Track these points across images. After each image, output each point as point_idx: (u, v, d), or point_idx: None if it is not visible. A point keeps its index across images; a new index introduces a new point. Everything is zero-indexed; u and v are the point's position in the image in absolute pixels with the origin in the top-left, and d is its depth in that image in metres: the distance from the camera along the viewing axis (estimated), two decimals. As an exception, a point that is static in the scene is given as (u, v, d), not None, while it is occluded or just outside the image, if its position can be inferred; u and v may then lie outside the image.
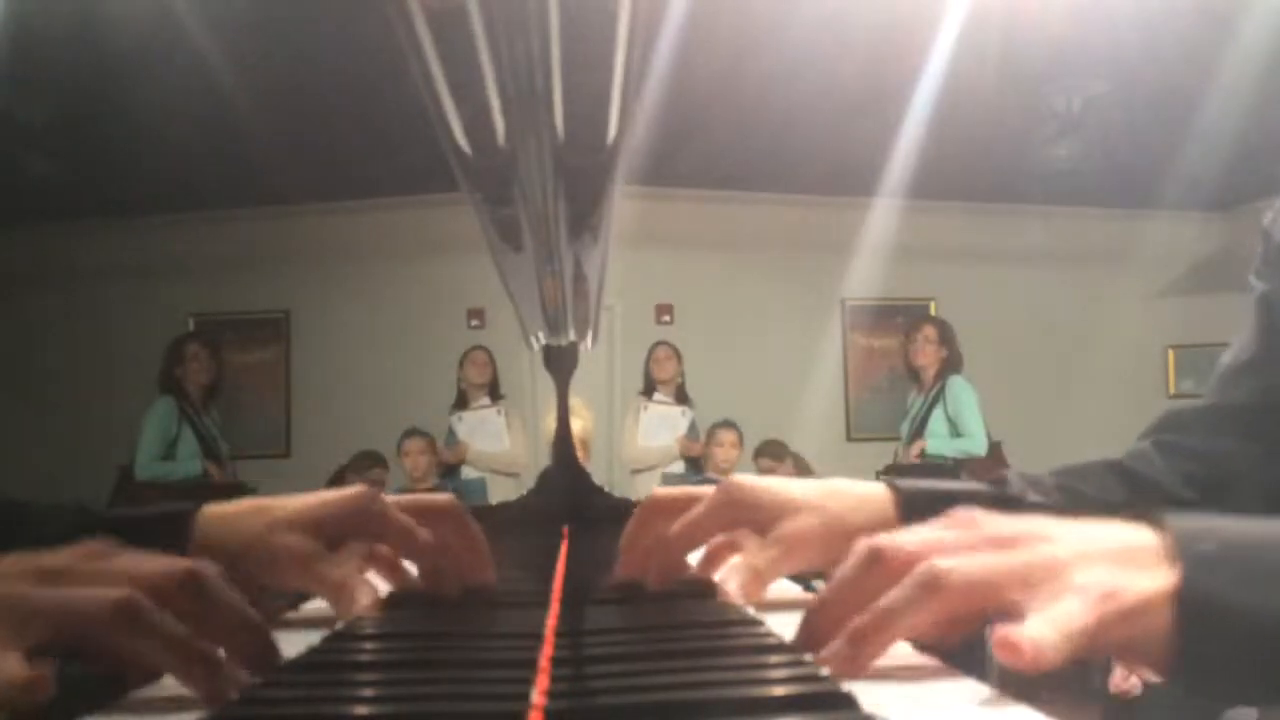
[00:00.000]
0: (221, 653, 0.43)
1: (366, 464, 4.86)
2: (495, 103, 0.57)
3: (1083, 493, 0.77)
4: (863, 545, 0.47)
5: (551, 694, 0.38)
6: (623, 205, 0.83)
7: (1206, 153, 4.84)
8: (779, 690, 0.39)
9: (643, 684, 0.40)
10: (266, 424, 6.11)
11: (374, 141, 4.85)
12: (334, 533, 0.63)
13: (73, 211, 5.60)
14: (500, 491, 4.66)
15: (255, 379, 6.13)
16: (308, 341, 6.20)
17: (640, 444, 4.97)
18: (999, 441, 4.41)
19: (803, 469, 5.23)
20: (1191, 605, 0.41)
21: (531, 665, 0.43)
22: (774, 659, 0.45)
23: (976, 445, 4.26)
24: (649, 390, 5.08)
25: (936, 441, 4.31)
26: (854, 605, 0.45)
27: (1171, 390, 6.58)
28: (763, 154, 5.49)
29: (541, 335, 1.37)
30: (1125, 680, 2.95)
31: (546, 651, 0.45)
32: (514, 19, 0.48)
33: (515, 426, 4.95)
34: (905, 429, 4.52)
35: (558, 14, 0.48)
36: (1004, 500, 0.70)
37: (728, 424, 4.85)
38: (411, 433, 4.82)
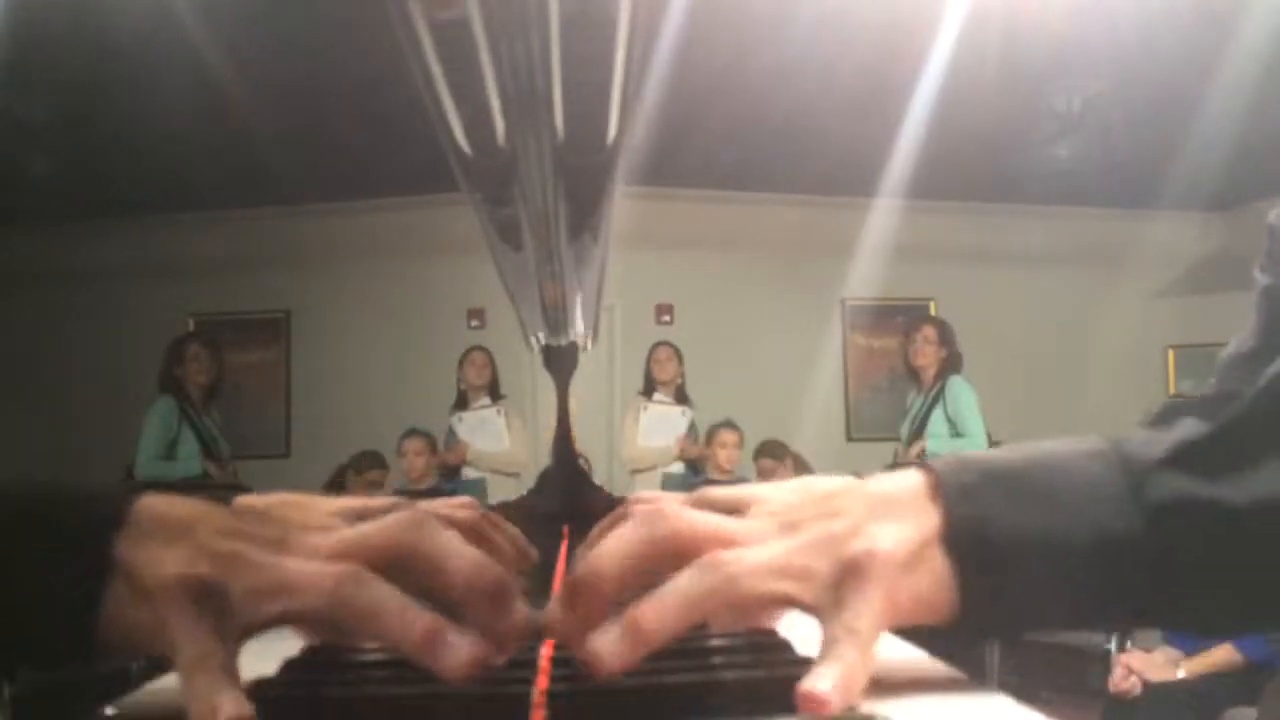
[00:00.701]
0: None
1: (366, 464, 4.86)
2: (495, 103, 0.57)
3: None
4: (648, 512, 0.43)
5: (551, 694, 0.38)
6: (623, 205, 0.83)
7: (1206, 153, 4.84)
8: (778, 690, 0.39)
9: (643, 684, 0.40)
10: (266, 424, 6.11)
11: (374, 141, 4.85)
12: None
13: (73, 211, 5.60)
14: (500, 491, 4.66)
15: (255, 379, 6.13)
16: (308, 341, 6.20)
17: (640, 444, 4.97)
18: (1000, 442, 4.40)
19: (803, 469, 5.23)
20: (959, 534, 0.41)
21: (532, 665, 0.42)
22: (775, 656, 0.45)
23: (976, 445, 4.26)
24: (649, 390, 5.08)
25: (936, 442, 4.31)
26: (630, 584, 0.41)
27: (1171, 390, 6.57)
28: (763, 154, 5.49)
29: (541, 335, 1.37)
30: (1125, 680, 2.95)
31: (546, 651, 0.45)
32: (514, 19, 0.48)
33: (515, 427, 4.95)
34: (905, 429, 4.51)
35: (558, 14, 0.48)
36: None
37: (729, 425, 4.85)
38: (411, 433, 4.82)
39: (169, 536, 0.39)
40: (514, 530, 0.69)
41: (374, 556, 0.40)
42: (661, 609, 0.39)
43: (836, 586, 0.41)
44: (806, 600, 0.41)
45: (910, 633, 0.46)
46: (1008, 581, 0.41)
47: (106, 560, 0.38)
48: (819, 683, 0.37)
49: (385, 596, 0.38)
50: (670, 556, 0.42)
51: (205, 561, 0.38)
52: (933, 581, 0.41)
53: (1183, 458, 0.44)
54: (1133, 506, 0.42)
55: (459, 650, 0.37)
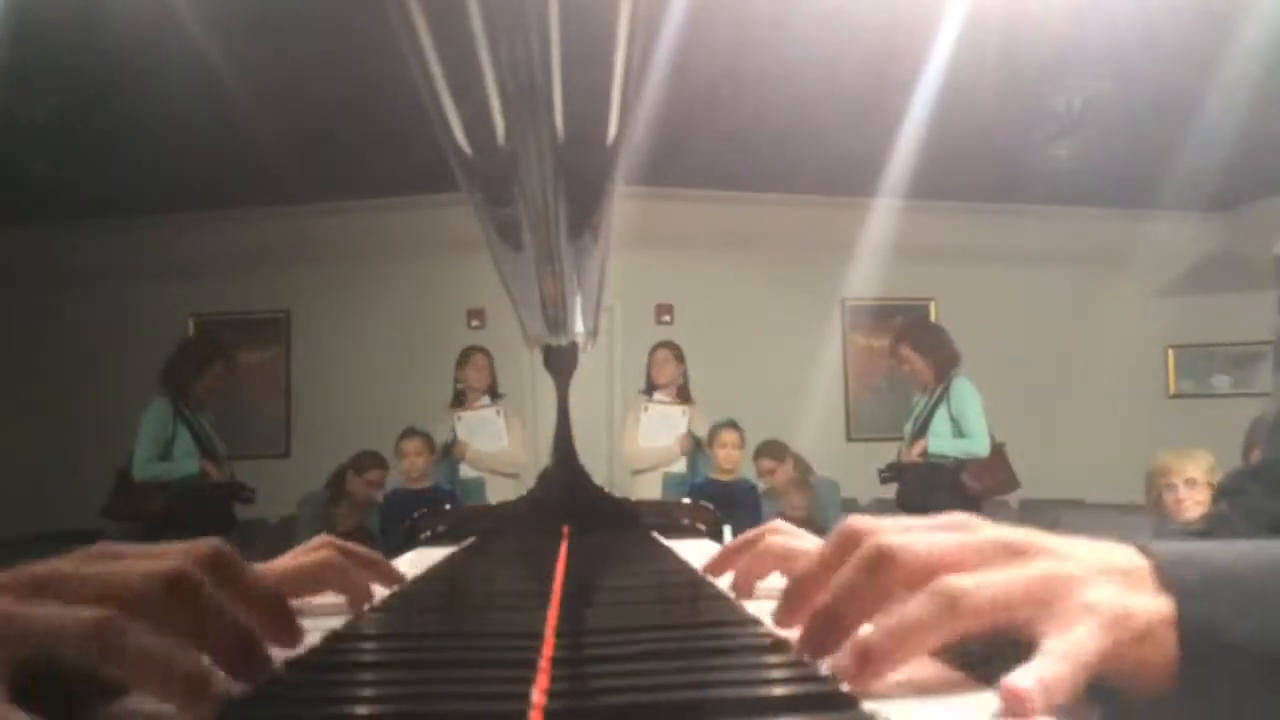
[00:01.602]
0: (209, 663, 0.40)
1: (366, 464, 4.85)
2: (495, 103, 0.57)
3: None
4: (869, 544, 0.45)
5: (551, 694, 0.38)
6: (623, 205, 0.83)
7: (1206, 153, 4.84)
8: (779, 690, 0.39)
9: (643, 684, 0.39)
10: (266, 424, 6.11)
11: (374, 141, 4.85)
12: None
13: (73, 211, 5.61)
14: (500, 491, 4.65)
15: (255, 379, 6.12)
16: (308, 341, 6.20)
17: (640, 444, 4.96)
18: (1003, 443, 4.40)
19: (803, 469, 5.23)
20: (1191, 629, 0.41)
21: (531, 665, 0.43)
22: (774, 659, 0.45)
23: (978, 445, 4.25)
24: (650, 390, 5.07)
25: (939, 441, 4.30)
26: (855, 610, 0.43)
27: (1171, 390, 6.58)
28: (763, 154, 5.49)
29: (541, 335, 1.37)
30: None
31: (546, 652, 0.45)
32: (514, 19, 0.48)
33: (514, 427, 4.94)
34: (909, 428, 4.50)
35: (558, 14, 0.48)
36: None
37: (730, 424, 4.84)
38: (409, 433, 4.81)
39: None
40: (367, 553, 0.70)
41: (141, 600, 0.40)
42: (892, 637, 0.41)
43: (1066, 624, 0.40)
44: (1035, 629, 0.41)
45: None
46: (1227, 684, 0.41)
47: None
48: (1022, 679, 0.37)
49: (147, 643, 0.38)
50: (898, 581, 0.43)
51: None
52: (1162, 657, 0.41)
53: None
54: None
55: (212, 699, 0.38)
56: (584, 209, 0.79)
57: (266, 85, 4.17)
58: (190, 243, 5.93)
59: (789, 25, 3.96)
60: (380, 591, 0.69)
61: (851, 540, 0.46)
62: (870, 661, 0.40)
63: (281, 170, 5.00)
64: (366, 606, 0.63)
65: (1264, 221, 6.12)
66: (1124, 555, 0.44)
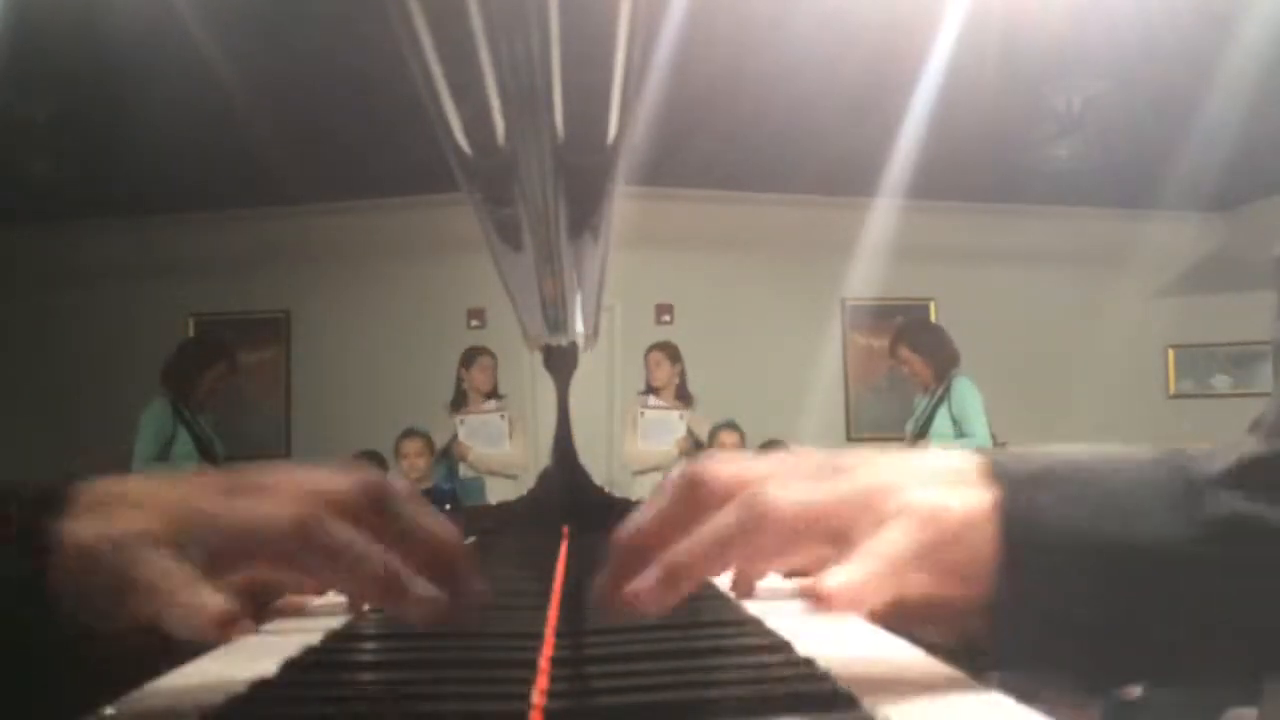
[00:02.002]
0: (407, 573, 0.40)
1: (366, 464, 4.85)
2: (495, 103, 0.57)
3: None
4: (678, 472, 0.44)
5: (551, 694, 0.38)
6: (623, 205, 0.83)
7: (1206, 153, 4.84)
8: (779, 690, 0.39)
9: (643, 684, 0.40)
10: (266, 424, 6.11)
11: (374, 141, 4.85)
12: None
13: (73, 211, 5.60)
14: (501, 492, 4.65)
15: (255, 379, 6.12)
16: (308, 341, 6.20)
17: (639, 447, 4.95)
18: (1005, 442, 4.40)
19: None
20: (1014, 521, 0.40)
21: (531, 665, 0.43)
22: (774, 659, 0.45)
23: (980, 445, 4.25)
24: (648, 392, 5.06)
25: (940, 441, 4.30)
26: (667, 536, 0.42)
27: (1172, 390, 6.58)
28: (763, 154, 5.49)
29: (541, 335, 1.37)
30: (1125, 680, 2.95)
31: (546, 651, 0.45)
32: (514, 18, 0.48)
33: (516, 429, 4.94)
34: (910, 428, 4.50)
35: (558, 13, 0.48)
36: None
37: (729, 425, 4.84)
38: (409, 433, 4.81)
39: (115, 508, 0.40)
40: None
41: (337, 503, 0.40)
42: (694, 547, 0.40)
43: (881, 526, 0.40)
44: (851, 539, 0.40)
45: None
46: (1052, 574, 0.41)
47: (46, 541, 0.38)
48: (828, 579, 0.37)
49: (347, 538, 0.39)
50: (707, 502, 0.42)
51: (156, 519, 0.39)
52: (971, 558, 0.41)
53: (1244, 476, 0.43)
54: (1188, 519, 0.42)
55: (419, 595, 0.39)
56: (584, 209, 0.79)
57: (266, 85, 4.17)
58: (190, 243, 5.93)
59: (789, 25, 3.96)
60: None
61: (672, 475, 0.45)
62: (674, 577, 0.39)
63: (281, 170, 5.00)
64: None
65: (1264, 221, 6.12)
66: (958, 458, 0.44)
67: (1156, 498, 0.42)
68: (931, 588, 0.41)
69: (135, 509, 0.40)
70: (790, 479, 0.42)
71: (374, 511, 0.41)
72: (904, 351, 4.43)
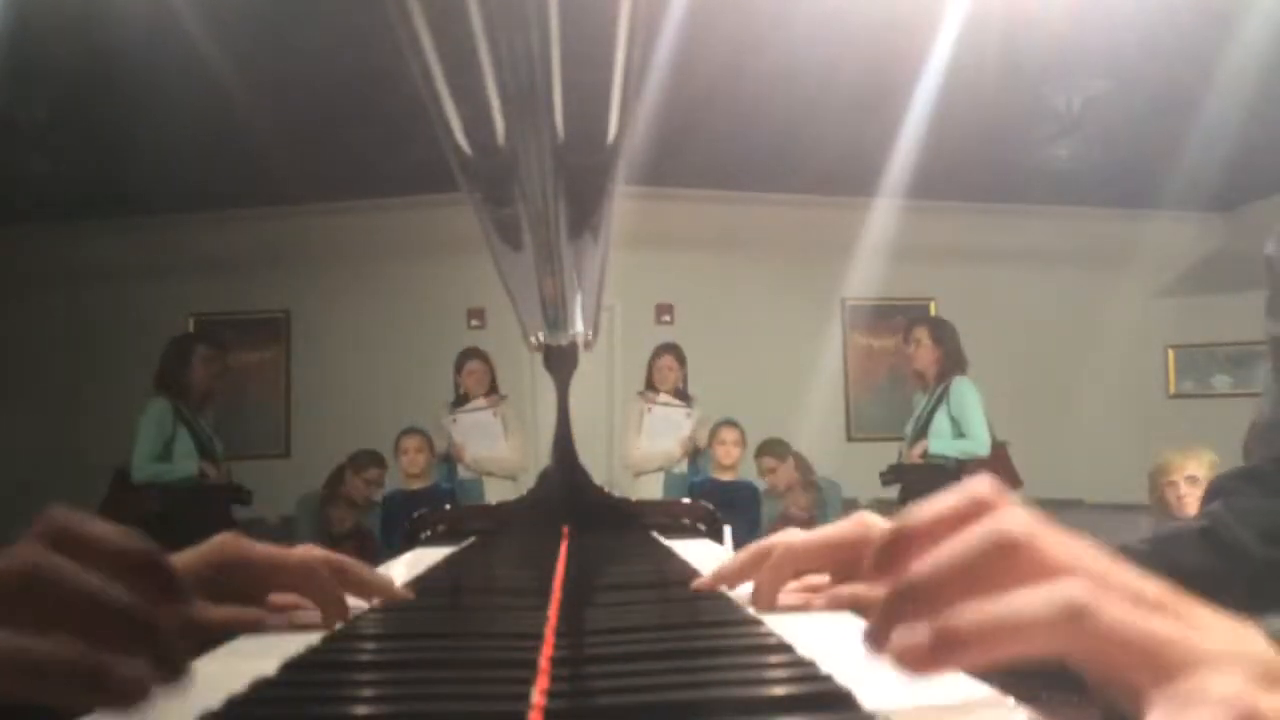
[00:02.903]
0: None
1: (365, 463, 4.85)
2: (495, 103, 0.57)
3: (1179, 562, 0.74)
4: (995, 523, 0.37)
5: (551, 694, 0.38)
6: (623, 205, 0.83)
7: (1206, 153, 4.84)
8: (779, 690, 0.39)
9: (643, 684, 0.39)
10: (266, 424, 6.11)
11: (374, 141, 4.85)
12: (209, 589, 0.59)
13: (73, 211, 5.61)
14: (499, 492, 4.64)
15: (255, 379, 6.13)
16: (308, 341, 6.20)
17: (643, 446, 4.93)
18: (1004, 442, 4.40)
19: (804, 468, 5.23)
20: None
21: (531, 665, 0.43)
22: (774, 659, 0.45)
23: (979, 446, 4.25)
24: (650, 387, 5.04)
25: (939, 442, 4.30)
26: (957, 590, 0.36)
27: (1172, 390, 6.57)
28: (763, 154, 5.49)
29: (541, 335, 1.37)
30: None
31: (546, 651, 0.45)
32: (514, 18, 0.48)
33: (513, 429, 4.91)
34: (909, 429, 4.50)
35: (557, 13, 0.48)
36: None
37: (730, 423, 4.84)
38: (409, 431, 4.81)
39: None
40: (359, 571, 0.67)
41: (199, 569, 0.40)
42: (991, 628, 0.34)
43: (1181, 707, 0.34)
44: (1142, 695, 0.35)
45: None
46: None
47: None
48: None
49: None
50: (1021, 574, 0.36)
51: None
52: None
53: None
54: None
55: (126, 666, 0.36)
56: (584, 209, 0.79)
57: (266, 85, 4.17)
58: (190, 243, 5.93)
59: (789, 25, 3.96)
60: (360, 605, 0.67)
61: (978, 506, 0.39)
62: (952, 648, 0.34)
63: (281, 170, 5.00)
64: (338, 625, 0.62)
65: (1264, 221, 6.10)
66: (1259, 644, 0.38)
67: None
68: None
69: None
70: (1119, 591, 0.36)
71: (32, 596, 0.38)
72: (920, 333, 4.44)
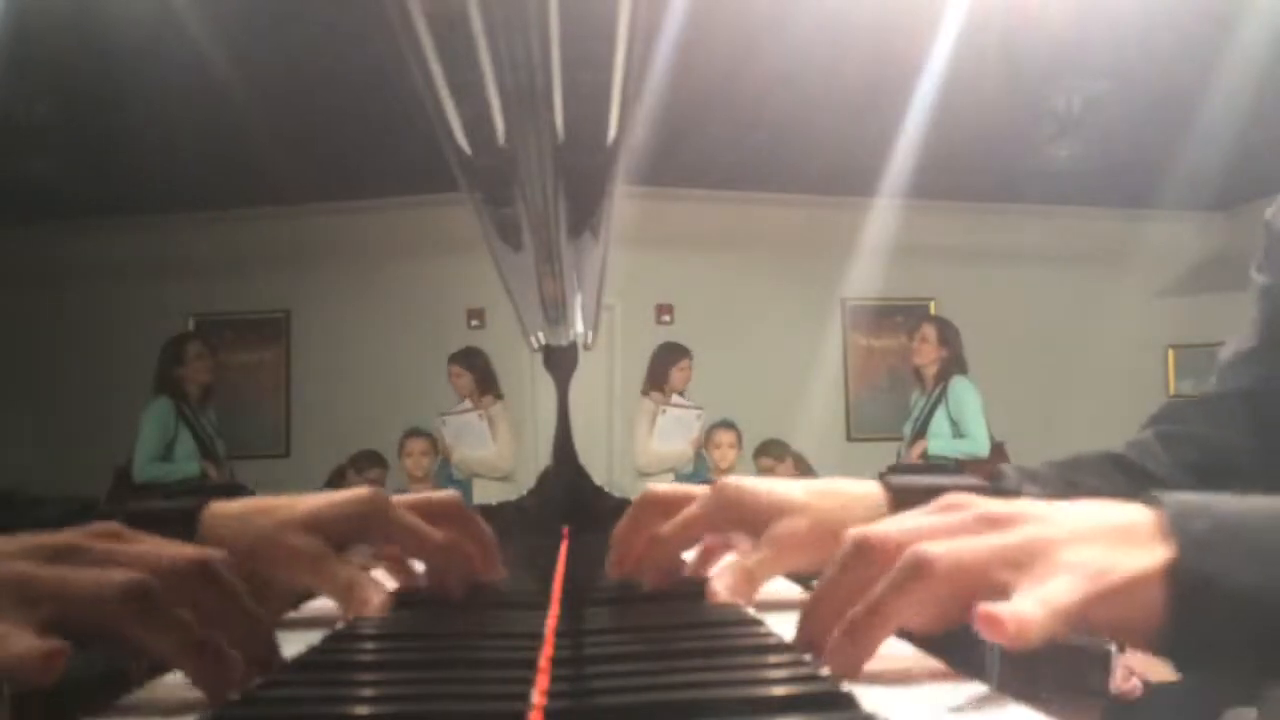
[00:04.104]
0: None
1: (366, 464, 4.85)
2: (495, 103, 0.57)
3: (1082, 484, 0.76)
4: (849, 536, 0.46)
5: (551, 694, 0.38)
6: (623, 205, 0.83)
7: (1206, 153, 4.84)
8: (779, 690, 0.39)
9: (643, 684, 0.40)
10: (266, 424, 6.11)
11: (374, 141, 4.85)
12: (341, 534, 0.62)
13: (73, 211, 5.60)
14: (488, 494, 4.62)
15: (255, 379, 6.13)
16: (308, 341, 6.20)
17: (654, 449, 4.89)
18: (1002, 442, 4.40)
19: (803, 469, 5.22)
20: (1184, 583, 0.41)
21: (531, 665, 0.43)
22: (774, 659, 0.45)
23: (978, 446, 4.25)
24: (661, 389, 4.99)
25: (938, 442, 4.31)
26: (846, 599, 0.44)
27: (1171, 390, 6.58)
28: (763, 154, 5.49)
29: (541, 335, 1.37)
30: (1126, 680, 2.95)
31: (546, 651, 0.45)
32: (514, 19, 0.48)
33: (501, 431, 4.87)
34: (908, 429, 4.50)
35: (558, 14, 0.48)
36: (999, 494, 0.69)
37: (726, 424, 4.83)
38: (413, 432, 4.81)
39: None
40: (487, 532, 0.69)
41: (167, 574, 0.42)
42: (868, 611, 0.42)
43: (1043, 579, 0.40)
44: (1001, 596, 0.41)
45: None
46: (1221, 636, 0.41)
47: None
48: (1000, 606, 0.38)
49: (171, 611, 0.39)
50: (878, 563, 0.44)
51: None
52: (1144, 616, 0.41)
53: None
54: None
55: (233, 675, 0.40)
56: (584, 209, 0.79)
57: (266, 85, 4.17)
58: (190, 243, 5.93)
59: (789, 25, 3.96)
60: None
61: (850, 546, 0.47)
62: (855, 639, 0.42)
63: (281, 170, 5.00)
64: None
65: (1264, 221, 6.11)
66: (1125, 512, 0.44)
67: None
68: (1096, 633, 0.42)
69: None
70: (953, 534, 0.44)
71: (201, 588, 0.43)
72: (928, 329, 4.45)
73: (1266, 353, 0.81)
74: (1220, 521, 0.42)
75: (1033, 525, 0.43)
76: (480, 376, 4.91)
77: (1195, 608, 0.41)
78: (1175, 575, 0.41)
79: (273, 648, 0.45)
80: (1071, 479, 0.77)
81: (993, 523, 0.44)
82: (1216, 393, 0.84)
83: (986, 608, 0.38)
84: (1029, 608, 0.39)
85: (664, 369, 4.98)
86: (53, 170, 4.75)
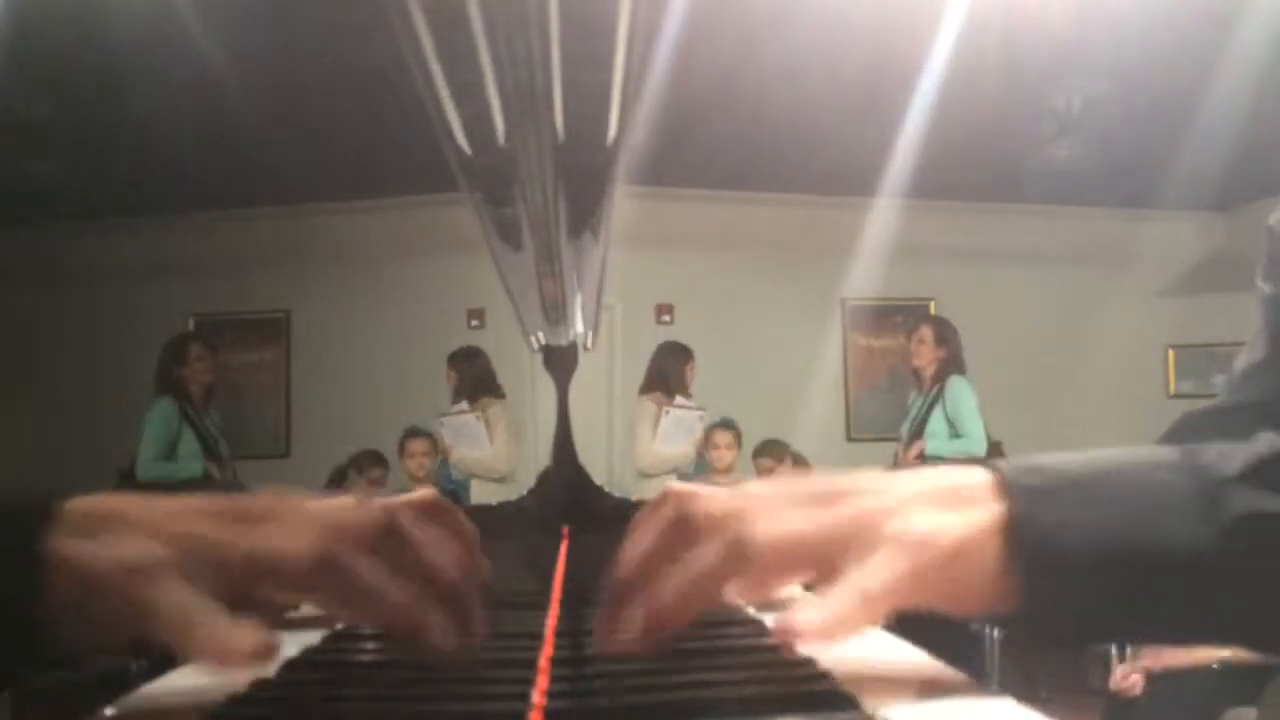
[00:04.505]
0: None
1: (368, 464, 4.84)
2: (495, 103, 0.57)
3: None
4: (668, 501, 0.43)
5: (551, 694, 0.38)
6: (623, 205, 0.83)
7: (1206, 153, 4.84)
8: (779, 690, 0.39)
9: (643, 684, 0.40)
10: (266, 424, 6.11)
11: (374, 141, 4.85)
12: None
13: (73, 211, 5.60)
14: (486, 494, 4.61)
15: (255, 379, 6.13)
16: (308, 341, 6.20)
17: (657, 449, 4.85)
18: (999, 441, 4.40)
19: (803, 469, 5.22)
20: (1023, 537, 0.40)
21: (531, 665, 0.43)
22: (774, 659, 0.45)
23: (976, 446, 4.25)
24: (669, 392, 4.96)
25: (936, 442, 4.30)
26: (658, 574, 0.41)
27: (1172, 390, 6.58)
28: (763, 154, 5.49)
29: (541, 335, 1.37)
30: (1125, 679, 2.95)
31: (546, 651, 0.45)
32: (514, 19, 0.48)
33: (499, 431, 4.83)
34: (905, 429, 4.50)
35: (558, 13, 0.48)
36: None
37: (725, 424, 4.81)
38: (413, 433, 4.80)
39: (116, 530, 0.38)
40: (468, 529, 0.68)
41: (353, 536, 0.40)
42: (676, 587, 0.40)
43: (865, 559, 0.39)
44: (827, 573, 0.40)
45: (926, 631, 0.46)
46: (1075, 588, 0.40)
47: (39, 559, 0.37)
48: (799, 614, 0.37)
49: (367, 573, 0.38)
50: (693, 538, 0.41)
51: (166, 545, 0.38)
52: (982, 577, 0.40)
53: (1261, 472, 0.42)
54: (1208, 520, 0.41)
55: (433, 629, 0.38)
56: (584, 209, 0.79)
57: (267, 84, 4.17)
58: (190, 243, 5.93)
59: (789, 25, 3.96)
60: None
61: (660, 504, 0.44)
62: (658, 619, 0.40)
63: (281, 170, 5.00)
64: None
65: (1264, 221, 6.09)
66: (965, 474, 0.43)
67: (1173, 501, 0.42)
68: (932, 606, 0.41)
69: (139, 533, 0.38)
70: (779, 509, 0.41)
71: (388, 544, 0.41)
72: (926, 330, 4.45)
73: (1275, 364, 0.81)
74: (1055, 476, 0.42)
75: (859, 498, 0.41)
76: (473, 377, 4.87)
77: (1036, 562, 0.39)
78: (1014, 528, 0.40)
79: (471, 606, 0.42)
80: None
81: (823, 498, 0.42)
82: (1230, 404, 0.84)
83: (778, 622, 0.37)
84: (829, 609, 0.37)
85: (678, 369, 4.94)
86: (53, 170, 4.75)
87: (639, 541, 0.43)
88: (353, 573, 0.38)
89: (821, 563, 0.40)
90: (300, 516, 0.40)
